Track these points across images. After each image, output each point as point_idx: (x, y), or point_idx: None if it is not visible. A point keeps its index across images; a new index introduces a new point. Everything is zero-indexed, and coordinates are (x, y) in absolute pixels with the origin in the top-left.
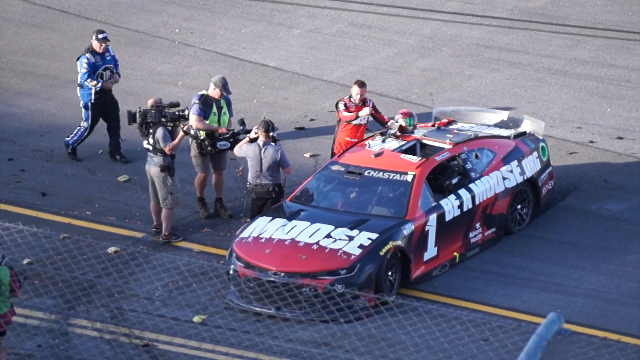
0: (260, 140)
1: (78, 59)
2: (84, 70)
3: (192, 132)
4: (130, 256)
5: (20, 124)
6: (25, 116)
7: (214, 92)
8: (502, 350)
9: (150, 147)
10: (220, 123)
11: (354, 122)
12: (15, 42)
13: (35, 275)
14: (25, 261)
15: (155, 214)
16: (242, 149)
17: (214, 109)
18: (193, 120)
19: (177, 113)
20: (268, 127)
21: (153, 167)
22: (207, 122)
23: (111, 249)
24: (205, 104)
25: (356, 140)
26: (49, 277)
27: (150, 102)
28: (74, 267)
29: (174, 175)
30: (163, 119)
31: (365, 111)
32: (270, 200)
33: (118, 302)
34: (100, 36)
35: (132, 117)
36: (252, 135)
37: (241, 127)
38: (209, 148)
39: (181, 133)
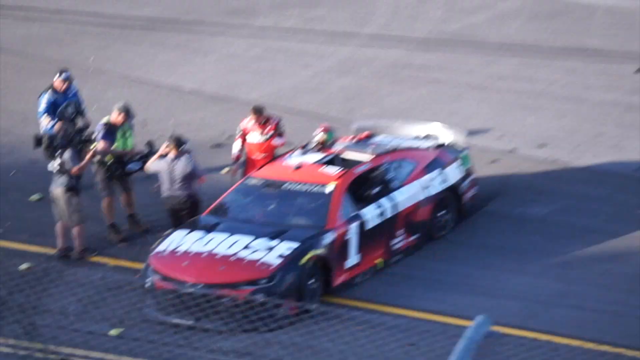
0: (171, 154)
1: (39, 96)
2: (43, 106)
3: (99, 157)
4: (43, 272)
5: None
6: None
7: (118, 117)
8: (431, 355)
9: (57, 169)
10: (127, 146)
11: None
12: None
13: None
14: None
15: (62, 235)
16: (153, 164)
17: (119, 133)
18: (100, 145)
19: (84, 136)
20: (179, 142)
21: (58, 188)
22: (114, 146)
23: (23, 266)
24: (111, 130)
25: (263, 156)
26: None
27: (57, 127)
28: None
29: (78, 195)
30: (70, 143)
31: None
32: (185, 212)
33: (31, 317)
34: (62, 76)
35: (37, 141)
36: (163, 150)
37: (149, 149)
38: (117, 172)
39: (88, 155)
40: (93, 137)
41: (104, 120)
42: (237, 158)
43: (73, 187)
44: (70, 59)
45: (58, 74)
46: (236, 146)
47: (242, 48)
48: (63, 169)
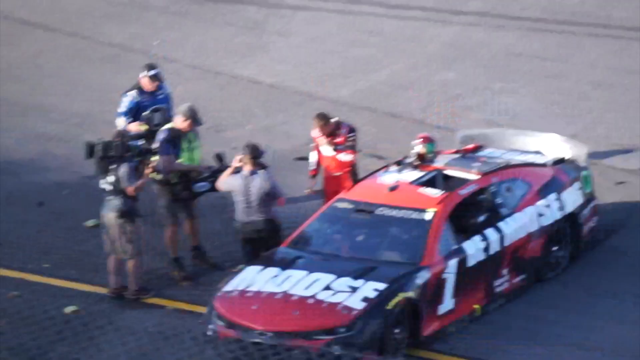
0: (246, 170)
1: (122, 94)
2: (124, 108)
3: (161, 175)
4: (91, 317)
5: None
6: None
7: (183, 124)
8: None
9: (109, 188)
10: (194, 160)
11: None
12: None
13: None
14: None
15: (114, 272)
16: (226, 182)
17: (185, 144)
18: (162, 162)
19: (144, 146)
20: (255, 151)
21: (110, 212)
22: (179, 161)
23: (69, 309)
24: (175, 140)
25: (340, 173)
26: None
27: (114, 132)
28: (22, 332)
29: (134, 221)
30: (128, 153)
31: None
32: (263, 242)
33: None
34: (150, 73)
35: (90, 149)
36: (236, 164)
37: (220, 163)
38: (184, 192)
39: (147, 171)
40: (154, 146)
41: (166, 126)
42: (313, 173)
43: (128, 212)
44: (131, 43)
45: (145, 70)
46: (312, 159)
47: (328, 28)
48: (117, 188)
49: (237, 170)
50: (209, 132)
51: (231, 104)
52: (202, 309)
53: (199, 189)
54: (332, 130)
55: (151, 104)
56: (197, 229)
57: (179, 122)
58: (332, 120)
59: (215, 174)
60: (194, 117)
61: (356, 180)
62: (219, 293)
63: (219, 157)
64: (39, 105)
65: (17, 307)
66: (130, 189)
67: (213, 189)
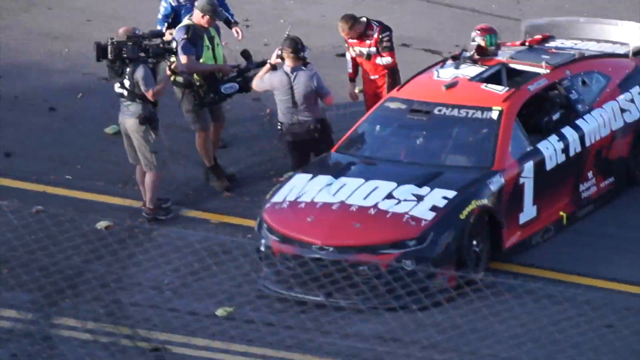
0: (287, 66)
1: None
2: (161, 13)
3: (183, 77)
4: (128, 233)
5: None
6: None
7: (201, 20)
8: (632, 339)
9: (125, 92)
10: (216, 59)
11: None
12: None
13: (3, 263)
14: None
15: (142, 182)
16: (264, 80)
17: (206, 42)
18: (183, 62)
19: (161, 46)
20: (296, 45)
21: (129, 119)
22: (201, 60)
23: (101, 224)
24: (194, 37)
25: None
26: (21, 264)
27: (122, 31)
28: (54, 250)
29: (157, 127)
30: (143, 54)
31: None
32: (313, 143)
33: (115, 293)
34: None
35: (102, 50)
36: (274, 60)
37: (247, 61)
38: (210, 95)
39: (167, 72)
40: (173, 45)
41: (183, 23)
42: (352, 76)
43: (149, 118)
44: None
45: None
46: (348, 61)
47: None
48: (134, 92)
49: (274, 68)
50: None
51: None
52: (251, 222)
53: (227, 90)
54: (361, 32)
55: (191, 9)
56: (218, 138)
57: (196, 17)
58: (361, 20)
59: (243, 73)
60: (213, 11)
61: (397, 82)
62: (268, 204)
63: (246, 55)
64: (43, 0)
65: (44, 223)
66: (149, 93)
67: (242, 90)
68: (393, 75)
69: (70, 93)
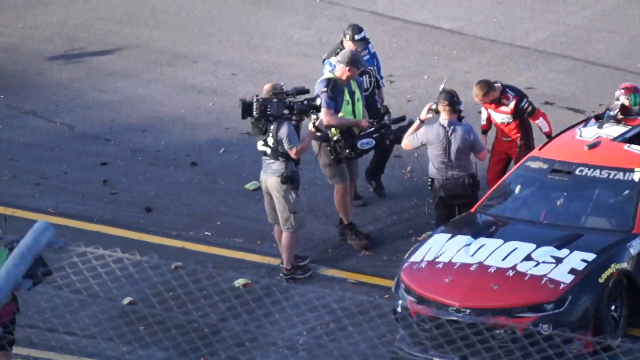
0: (443, 119)
1: (324, 61)
2: (325, 78)
3: (319, 132)
4: (265, 291)
5: (116, 116)
6: (122, 105)
7: (342, 72)
8: None
9: (268, 150)
10: (356, 114)
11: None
12: (106, 6)
13: (140, 320)
14: (125, 300)
15: (280, 240)
16: (417, 135)
17: (346, 96)
18: (326, 116)
19: (306, 103)
20: (452, 98)
21: (271, 177)
22: (340, 114)
23: (239, 282)
24: (335, 91)
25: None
26: (157, 321)
27: (267, 87)
28: (191, 308)
29: (298, 187)
30: (287, 111)
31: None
32: (463, 199)
33: (250, 353)
34: (357, 37)
35: (247, 108)
36: (424, 115)
37: (387, 117)
38: (347, 151)
39: (311, 129)
40: (317, 102)
41: (325, 76)
42: (484, 128)
43: (291, 177)
44: None
45: (350, 30)
46: (483, 112)
47: None
48: (278, 150)
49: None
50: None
51: (405, 52)
52: (388, 282)
53: (363, 145)
54: (496, 98)
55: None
56: (352, 195)
57: (338, 70)
58: (496, 86)
59: (380, 129)
60: (354, 64)
61: (530, 146)
62: (406, 264)
63: (385, 111)
64: (188, 54)
65: (182, 280)
66: (293, 151)
67: (378, 145)
68: (526, 138)
69: (212, 148)
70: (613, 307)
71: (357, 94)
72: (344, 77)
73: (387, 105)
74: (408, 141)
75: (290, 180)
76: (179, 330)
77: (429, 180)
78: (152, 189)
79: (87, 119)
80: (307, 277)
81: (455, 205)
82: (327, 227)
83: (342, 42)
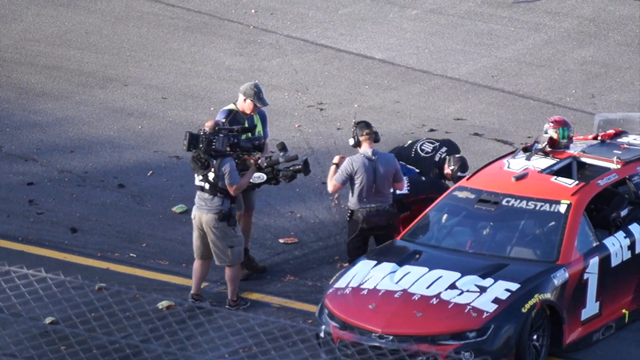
0: (366, 149)
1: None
2: None
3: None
4: (188, 313)
5: (44, 136)
6: (51, 126)
7: (244, 105)
8: None
9: (207, 186)
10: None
11: None
12: (38, 28)
13: (62, 340)
14: (47, 320)
15: (198, 277)
16: (342, 172)
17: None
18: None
19: (254, 142)
20: (371, 127)
21: (207, 214)
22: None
23: (163, 304)
24: (234, 123)
25: None
26: (79, 341)
27: (210, 124)
28: (113, 329)
29: (235, 224)
30: (229, 148)
31: None
32: (384, 229)
33: None
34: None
35: (194, 140)
36: (338, 159)
37: (281, 153)
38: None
39: (252, 168)
40: (262, 141)
41: (227, 107)
42: None
43: (230, 214)
44: (224, 11)
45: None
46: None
47: (450, 1)
48: (217, 186)
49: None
50: (310, 111)
51: (336, 80)
52: (312, 307)
53: (255, 180)
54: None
55: None
56: (250, 227)
57: (240, 102)
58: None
59: (273, 165)
60: (257, 97)
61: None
62: (330, 290)
63: (281, 147)
64: (119, 77)
65: (105, 301)
66: (233, 188)
67: (269, 181)
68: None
69: (140, 170)
70: (535, 337)
71: (259, 127)
72: (247, 110)
73: (285, 142)
74: (335, 181)
75: (227, 217)
76: (101, 351)
77: (349, 212)
78: (78, 209)
79: (15, 139)
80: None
81: (374, 236)
82: (252, 251)
83: None
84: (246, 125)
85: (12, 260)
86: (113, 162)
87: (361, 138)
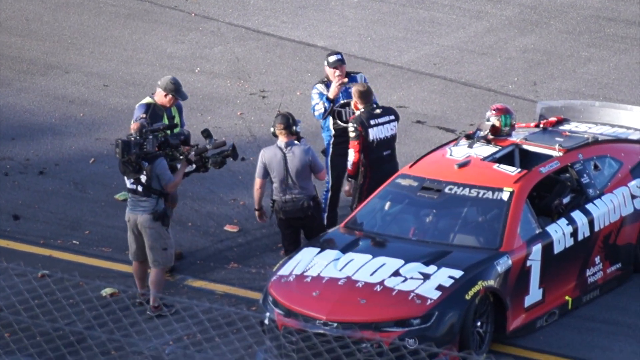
0: (281, 141)
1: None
2: (316, 107)
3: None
4: (132, 300)
5: None
6: None
7: (163, 99)
8: None
9: (140, 188)
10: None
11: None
12: None
13: (5, 327)
14: None
15: (140, 277)
16: (259, 165)
17: (165, 121)
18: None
19: (180, 137)
20: (287, 120)
21: (142, 215)
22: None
23: (106, 291)
24: (154, 116)
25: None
26: (23, 328)
27: (135, 127)
28: (57, 315)
29: (169, 224)
30: (158, 149)
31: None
32: (306, 221)
33: None
34: (331, 59)
35: (127, 146)
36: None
37: (207, 140)
38: None
39: (183, 163)
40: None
41: (144, 101)
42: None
43: (164, 214)
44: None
45: (326, 58)
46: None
47: None
48: (151, 187)
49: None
50: (252, 99)
51: (278, 68)
52: (256, 295)
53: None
54: None
55: (343, 97)
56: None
57: (158, 96)
58: None
59: (200, 153)
60: (177, 91)
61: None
62: (274, 277)
63: (206, 134)
64: (60, 64)
65: (48, 288)
66: (170, 186)
67: (198, 169)
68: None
69: (82, 157)
70: (479, 324)
71: (177, 119)
72: (165, 104)
73: (209, 129)
74: (256, 177)
75: (162, 217)
76: (45, 338)
77: (272, 200)
78: (20, 197)
79: None
80: (174, 293)
81: (300, 226)
82: (195, 238)
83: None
84: (166, 121)
85: None
86: (55, 149)
87: (277, 131)
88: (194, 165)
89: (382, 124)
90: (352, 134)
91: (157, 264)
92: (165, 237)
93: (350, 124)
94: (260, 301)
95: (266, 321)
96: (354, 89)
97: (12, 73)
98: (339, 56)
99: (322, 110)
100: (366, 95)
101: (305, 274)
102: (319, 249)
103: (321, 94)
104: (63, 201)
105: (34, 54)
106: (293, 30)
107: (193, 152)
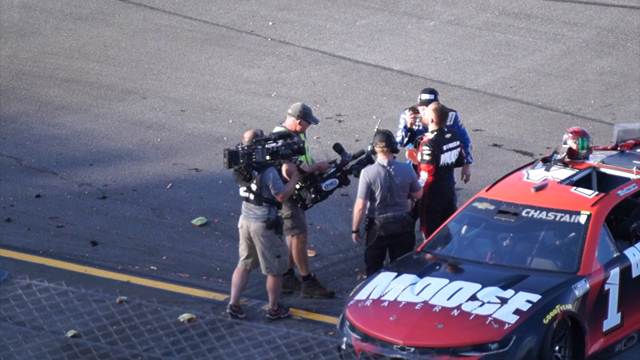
0: (382, 159)
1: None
2: (397, 133)
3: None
4: (210, 326)
5: (63, 150)
6: (70, 139)
7: (297, 126)
8: None
9: (252, 196)
10: (307, 162)
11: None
12: (57, 41)
13: (84, 353)
14: (69, 333)
15: (238, 289)
16: (361, 185)
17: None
18: (283, 167)
19: (288, 147)
20: (390, 138)
21: (255, 223)
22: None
23: (184, 317)
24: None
25: None
26: (101, 354)
27: (248, 135)
28: (135, 341)
29: (282, 232)
30: (269, 157)
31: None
32: (403, 237)
33: None
34: (423, 97)
35: (233, 156)
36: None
37: (342, 154)
38: (312, 195)
39: (295, 172)
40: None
41: (276, 130)
42: None
43: (277, 222)
44: (242, 24)
45: (420, 94)
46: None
47: (467, 11)
48: (261, 195)
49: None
50: (329, 123)
51: (354, 92)
52: (333, 319)
53: (327, 187)
54: None
55: (423, 131)
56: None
57: (289, 122)
58: None
59: (341, 167)
60: (307, 117)
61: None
62: (351, 302)
63: (339, 148)
64: (137, 89)
65: (126, 314)
66: (280, 196)
67: (341, 184)
68: None
69: (159, 183)
70: (557, 348)
71: (306, 144)
72: (297, 129)
73: (340, 143)
74: (359, 198)
75: (275, 225)
76: None
77: (367, 219)
78: (98, 222)
79: (34, 152)
80: (254, 314)
81: (391, 244)
82: None
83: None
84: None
85: (33, 274)
86: (132, 175)
87: (377, 149)
88: (337, 181)
89: (451, 149)
90: (426, 157)
91: (270, 271)
92: (279, 245)
93: (426, 147)
94: (338, 326)
95: (343, 346)
96: (433, 107)
97: (90, 99)
98: (432, 97)
99: (399, 138)
100: (443, 116)
101: (382, 298)
102: (395, 274)
103: (405, 123)
104: (140, 227)
105: (111, 80)
106: (369, 54)
107: (305, 165)
